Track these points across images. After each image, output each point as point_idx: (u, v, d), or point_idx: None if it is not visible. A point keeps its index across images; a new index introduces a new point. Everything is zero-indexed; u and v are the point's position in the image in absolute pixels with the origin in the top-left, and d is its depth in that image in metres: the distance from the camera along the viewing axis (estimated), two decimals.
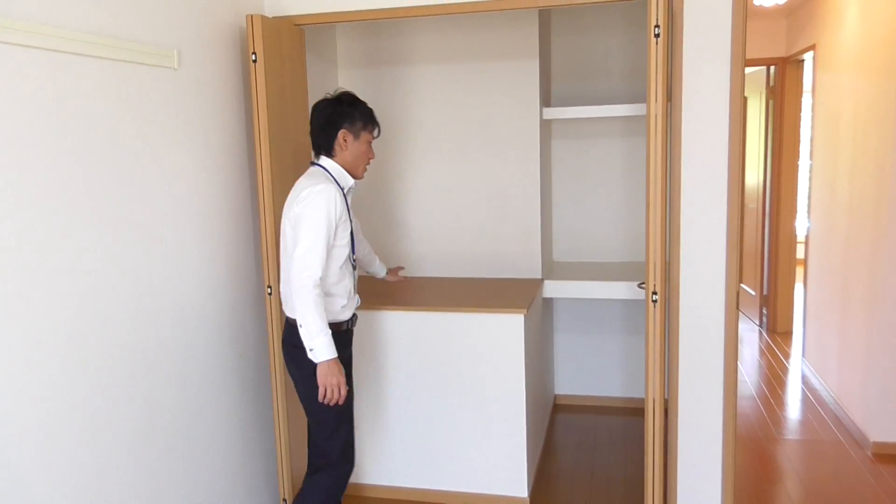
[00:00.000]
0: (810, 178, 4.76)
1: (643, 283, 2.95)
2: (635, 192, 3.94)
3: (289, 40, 2.83)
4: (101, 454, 2.05)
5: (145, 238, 2.24)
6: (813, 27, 4.69)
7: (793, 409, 4.14)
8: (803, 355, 4.85)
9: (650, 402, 2.55)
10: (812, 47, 4.69)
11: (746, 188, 5.95)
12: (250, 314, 2.84)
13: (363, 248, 2.91)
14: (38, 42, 1.82)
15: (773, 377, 4.67)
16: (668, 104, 2.46)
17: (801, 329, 5.03)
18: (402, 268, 3.18)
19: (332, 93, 2.45)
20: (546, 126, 3.79)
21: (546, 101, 3.79)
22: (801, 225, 5.60)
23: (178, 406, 2.40)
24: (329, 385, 2.25)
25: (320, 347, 2.23)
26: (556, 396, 4.28)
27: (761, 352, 5.22)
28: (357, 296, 2.54)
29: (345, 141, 2.39)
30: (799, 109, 5.38)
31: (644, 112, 3.25)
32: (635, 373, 4.13)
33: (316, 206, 2.24)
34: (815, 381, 4.47)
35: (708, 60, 2.46)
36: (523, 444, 3.02)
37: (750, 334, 5.65)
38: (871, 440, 3.50)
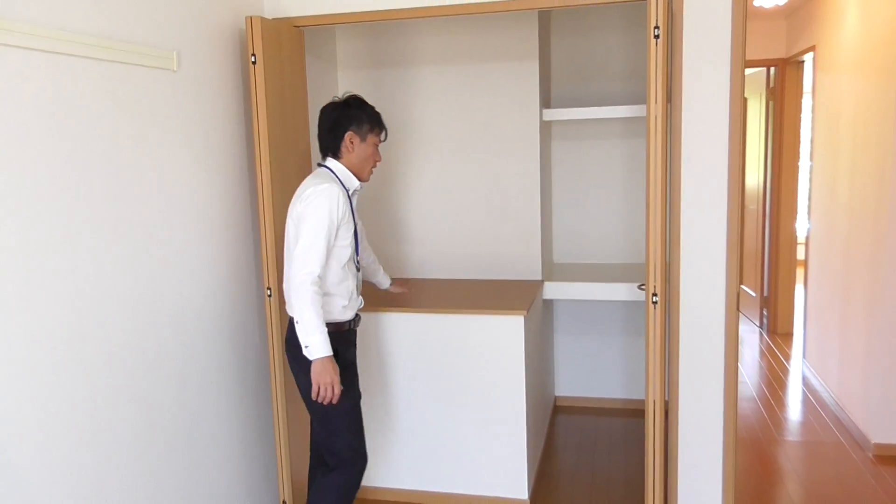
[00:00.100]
0: (810, 179, 4.75)
1: (643, 285, 2.96)
2: (635, 193, 3.94)
3: (288, 42, 2.83)
4: (101, 455, 2.05)
5: (145, 239, 2.24)
6: (813, 28, 4.69)
7: (793, 410, 4.14)
8: (804, 356, 4.85)
9: (650, 403, 2.55)
10: (812, 48, 4.69)
11: (746, 189, 5.95)
12: (250, 315, 2.84)
13: (367, 257, 2.90)
14: (37, 44, 1.82)
15: (774, 378, 4.66)
16: (668, 105, 2.46)
17: (802, 330, 5.03)
18: (407, 282, 3.15)
19: (340, 96, 2.47)
20: (546, 127, 3.79)
21: (546, 102, 3.79)
22: (802, 226, 5.60)
23: (178, 407, 2.40)
24: (323, 383, 2.25)
25: (315, 345, 2.23)
26: (556, 398, 4.28)
27: (762, 353, 5.22)
28: (360, 297, 2.54)
29: (351, 143, 2.40)
30: (799, 110, 5.38)
31: (644, 113, 3.26)
32: (635, 374, 4.12)
33: (318, 204, 2.25)
34: (815, 383, 4.46)
35: (708, 61, 2.46)
36: (523, 445, 3.01)
37: (750, 335, 5.65)
38: (872, 441, 3.50)
